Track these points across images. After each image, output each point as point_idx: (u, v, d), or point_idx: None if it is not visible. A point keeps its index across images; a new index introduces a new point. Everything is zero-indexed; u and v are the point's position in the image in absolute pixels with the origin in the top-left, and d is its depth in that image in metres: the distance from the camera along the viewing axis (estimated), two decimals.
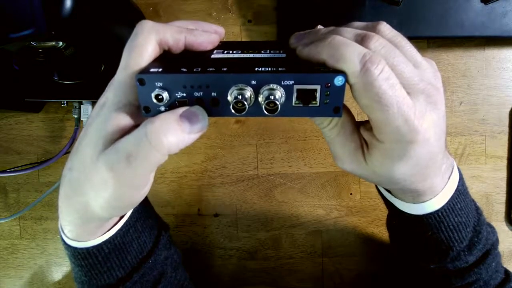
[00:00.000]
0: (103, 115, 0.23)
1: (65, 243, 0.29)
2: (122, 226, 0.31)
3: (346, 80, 0.22)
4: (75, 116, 0.48)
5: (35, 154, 0.53)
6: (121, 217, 0.31)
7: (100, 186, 0.23)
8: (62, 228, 0.29)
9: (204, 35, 0.26)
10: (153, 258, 0.33)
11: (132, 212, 0.32)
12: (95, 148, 0.23)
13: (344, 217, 0.54)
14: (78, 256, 0.29)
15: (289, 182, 0.54)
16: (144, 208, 0.34)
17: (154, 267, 0.34)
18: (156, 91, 0.22)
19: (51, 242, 0.54)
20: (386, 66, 0.21)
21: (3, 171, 0.50)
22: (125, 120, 0.23)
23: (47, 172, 0.53)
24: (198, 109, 0.22)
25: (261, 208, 0.54)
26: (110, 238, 0.30)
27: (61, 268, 0.55)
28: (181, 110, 0.22)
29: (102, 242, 0.29)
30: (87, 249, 0.29)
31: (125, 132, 0.23)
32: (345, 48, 0.22)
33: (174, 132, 0.22)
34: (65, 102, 0.49)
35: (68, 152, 0.50)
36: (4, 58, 0.43)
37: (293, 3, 0.48)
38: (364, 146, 0.26)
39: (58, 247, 0.55)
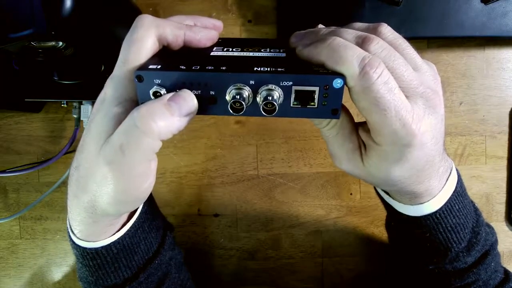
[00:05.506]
0: (103, 111, 0.24)
1: (74, 243, 0.30)
2: (131, 227, 0.31)
3: (345, 83, 0.22)
4: (75, 116, 0.48)
5: (35, 154, 0.53)
6: (130, 218, 0.31)
7: (102, 182, 0.24)
8: (71, 228, 0.29)
9: (203, 31, 0.26)
10: (158, 259, 0.34)
11: (140, 213, 0.32)
12: (97, 144, 0.23)
13: (344, 217, 0.54)
14: (87, 256, 0.30)
15: (289, 182, 0.54)
16: (151, 209, 0.35)
17: (159, 268, 0.34)
18: (154, 88, 0.22)
19: (51, 242, 0.54)
20: (385, 69, 0.21)
21: (3, 171, 0.50)
22: (125, 116, 0.23)
23: (47, 172, 0.53)
24: (185, 92, 0.22)
25: (261, 208, 0.54)
26: (119, 238, 0.30)
27: (61, 268, 0.55)
28: (168, 95, 0.22)
29: (111, 242, 0.29)
30: (96, 249, 0.29)
31: None
32: (344, 51, 0.22)
33: (163, 116, 0.22)
34: (65, 102, 0.49)
35: (68, 152, 0.50)
36: (4, 58, 0.43)
37: (293, 3, 0.48)
38: (362, 147, 0.26)
39: (58, 247, 0.55)
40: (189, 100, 0.22)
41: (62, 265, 0.55)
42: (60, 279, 0.55)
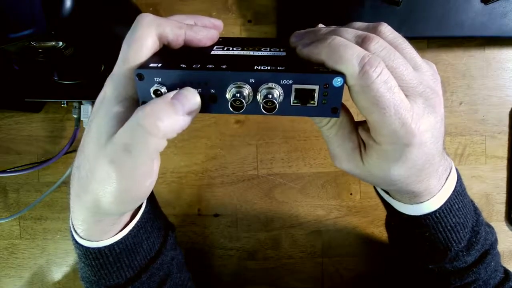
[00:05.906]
0: (103, 110, 0.24)
1: (76, 242, 0.30)
2: (134, 227, 0.31)
3: (345, 82, 0.22)
4: (75, 116, 0.48)
5: (35, 154, 0.53)
6: (132, 218, 0.31)
7: (105, 181, 0.24)
8: (74, 228, 0.29)
9: (204, 31, 0.26)
10: (160, 259, 0.34)
11: (143, 213, 0.32)
12: (98, 144, 0.23)
13: (344, 217, 0.54)
14: (90, 255, 0.30)
15: (289, 182, 0.54)
16: (153, 209, 0.35)
17: (161, 268, 0.34)
18: (155, 87, 0.22)
19: (51, 242, 0.54)
20: (385, 68, 0.22)
21: (3, 171, 0.50)
22: (126, 114, 0.23)
23: (47, 172, 0.53)
24: (187, 90, 0.22)
25: (261, 208, 0.54)
26: (122, 238, 0.30)
27: (61, 268, 0.55)
28: (171, 94, 0.22)
29: (114, 242, 0.29)
30: (98, 249, 0.29)
31: None
32: (344, 50, 0.22)
33: (167, 115, 0.22)
34: (65, 102, 0.49)
35: (68, 152, 0.50)
36: (4, 58, 0.43)
37: (293, 3, 0.48)
38: (361, 146, 0.26)
39: (58, 247, 0.55)
40: (192, 98, 0.22)
41: (62, 265, 0.55)
42: (60, 279, 0.55)
